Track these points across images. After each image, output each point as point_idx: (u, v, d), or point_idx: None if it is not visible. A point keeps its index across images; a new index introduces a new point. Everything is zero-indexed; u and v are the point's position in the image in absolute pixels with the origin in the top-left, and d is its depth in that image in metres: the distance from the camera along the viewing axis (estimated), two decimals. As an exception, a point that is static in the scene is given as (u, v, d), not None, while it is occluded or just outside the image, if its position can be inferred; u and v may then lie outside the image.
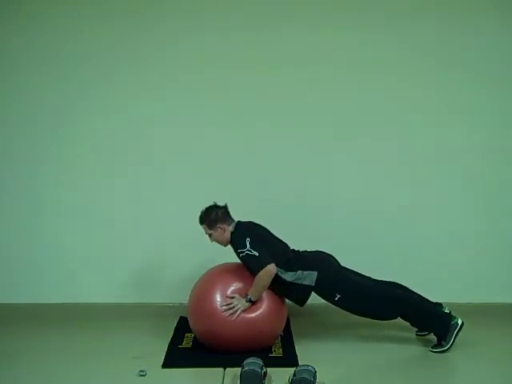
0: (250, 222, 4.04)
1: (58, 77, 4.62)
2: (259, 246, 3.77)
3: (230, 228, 3.95)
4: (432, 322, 3.88)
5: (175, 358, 3.72)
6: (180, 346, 3.91)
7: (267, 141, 4.63)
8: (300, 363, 3.48)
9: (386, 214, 4.68)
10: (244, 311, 3.69)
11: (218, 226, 3.94)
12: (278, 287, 3.84)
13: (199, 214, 3.97)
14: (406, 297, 3.92)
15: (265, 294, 3.78)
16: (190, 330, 4.15)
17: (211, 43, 4.58)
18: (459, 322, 3.83)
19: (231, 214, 4.01)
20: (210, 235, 3.98)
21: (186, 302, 4.60)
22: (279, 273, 3.80)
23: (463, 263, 4.70)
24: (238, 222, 4.01)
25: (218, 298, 3.75)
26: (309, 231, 4.52)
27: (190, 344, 3.95)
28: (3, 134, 4.68)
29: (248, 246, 3.75)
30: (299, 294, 3.89)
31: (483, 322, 4.35)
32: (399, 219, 4.69)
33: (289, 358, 3.68)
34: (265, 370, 3.33)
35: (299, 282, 3.83)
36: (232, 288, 3.79)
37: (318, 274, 3.82)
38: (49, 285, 4.68)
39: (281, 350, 3.84)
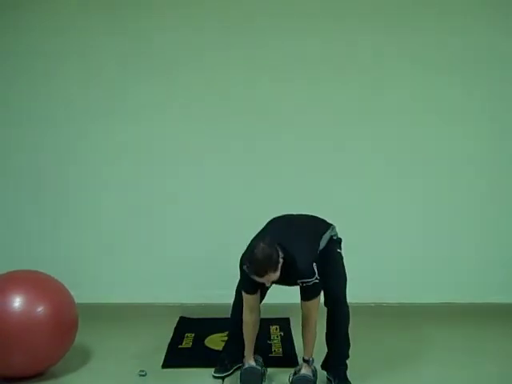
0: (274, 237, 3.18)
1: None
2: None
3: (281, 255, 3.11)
4: None
5: (175, 357, 3.72)
6: (180, 346, 3.91)
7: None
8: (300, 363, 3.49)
9: (387, 214, 4.69)
10: None
11: (280, 260, 3.08)
12: None
13: (254, 261, 3.01)
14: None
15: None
16: (190, 330, 4.16)
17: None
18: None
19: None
20: (270, 279, 3.08)
21: (186, 302, 4.65)
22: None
23: (463, 263, 4.69)
24: (277, 242, 3.12)
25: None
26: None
27: (190, 344, 3.95)
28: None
29: (317, 272, 3.14)
30: None
31: (483, 322, 4.35)
32: (398, 219, 4.70)
33: (289, 358, 3.68)
34: (265, 368, 3.34)
35: None
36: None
37: None
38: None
39: (281, 350, 3.85)
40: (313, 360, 3.24)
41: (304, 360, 3.23)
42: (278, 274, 3.06)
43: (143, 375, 3.42)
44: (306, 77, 4.60)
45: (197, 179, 4.66)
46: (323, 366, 3.40)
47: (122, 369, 3.53)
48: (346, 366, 3.36)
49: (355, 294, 4.57)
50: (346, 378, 3.32)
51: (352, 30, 4.57)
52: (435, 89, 4.63)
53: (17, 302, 3.20)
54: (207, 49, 4.59)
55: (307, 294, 3.17)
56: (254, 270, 3.02)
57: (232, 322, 3.51)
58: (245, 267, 3.11)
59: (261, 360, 3.37)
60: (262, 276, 3.03)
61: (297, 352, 3.76)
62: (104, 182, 4.68)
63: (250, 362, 3.29)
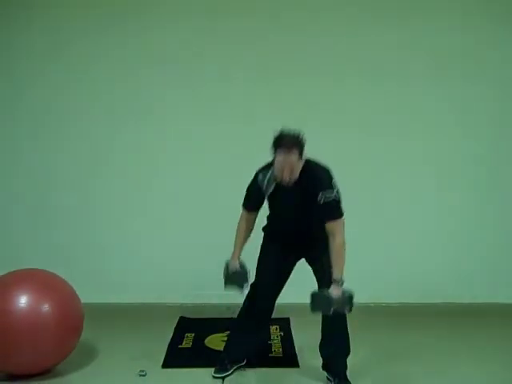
0: None
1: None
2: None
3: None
4: None
5: (175, 357, 3.72)
6: (180, 346, 3.91)
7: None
8: (300, 363, 3.49)
9: (385, 215, 4.70)
10: None
11: (304, 148, 3.10)
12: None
13: (282, 135, 3.05)
14: None
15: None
16: (189, 330, 4.16)
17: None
18: None
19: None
20: (292, 169, 3.06)
21: (186, 302, 4.65)
22: None
23: (463, 263, 4.70)
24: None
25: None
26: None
27: (190, 344, 3.95)
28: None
29: (335, 188, 3.13)
30: None
31: (483, 322, 4.35)
32: (398, 219, 4.70)
33: (289, 358, 3.68)
34: (248, 270, 3.41)
35: None
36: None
37: None
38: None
39: (281, 350, 3.84)
40: (343, 281, 3.10)
41: (332, 280, 3.10)
42: (299, 166, 3.07)
43: (143, 375, 3.42)
44: (312, 74, 4.64)
45: (197, 179, 4.66)
46: (324, 367, 3.41)
47: (122, 369, 3.53)
48: (345, 365, 3.36)
49: (356, 293, 4.64)
50: (346, 378, 3.32)
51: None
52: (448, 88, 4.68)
53: (23, 300, 3.22)
54: (207, 48, 4.62)
55: (330, 212, 3.11)
56: (283, 143, 3.01)
57: (234, 323, 3.54)
58: (260, 176, 3.25)
59: (245, 265, 3.43)
60: (288, 149, 3.00)
61: (297, 352, 3.76)
62: (104, 181, 4.69)
63: (234, 263, 3.40)
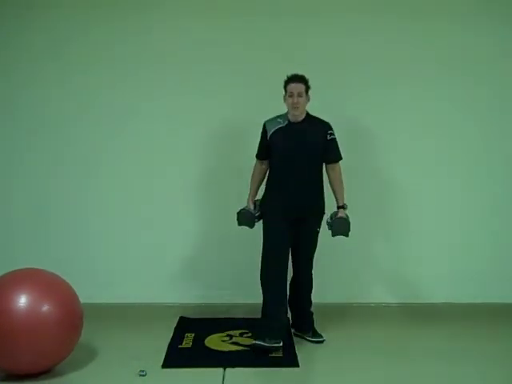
0: None
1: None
2: None
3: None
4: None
5: (175, 358, 3.71)
6: (180, 346, 3.91)
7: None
8: (300, 364, 3.49)
9: (390, 213, 4.70)
10: None
11: (309, 94, 3.72)
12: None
13: (293, 74, 3.68)
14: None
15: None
16: (189, 330, 4.16)
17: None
18: None
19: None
20: (300, 96, 3.64)
21: (186, 302, 4.65)
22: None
23: (464, 263, 4.70)
24: None
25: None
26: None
27: (190, 344, 3.94)
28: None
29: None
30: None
31: (483, 322, 4.35)
32: (400, 218, 4.70)
33: (289, 359, 3.67)
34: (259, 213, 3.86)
35: None
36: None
37: None
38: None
39: (280, 351, 3.84)
40: (346, 205, 3.81)
41: (339, 207, 3.79)
42: (306, 101, 3.67)
43: (143, 375, 3.41)
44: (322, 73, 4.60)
45: (198, 179, 4.66)
46: (294, 326, 3.94)
47: (122, 369, 3.52)
48: (313, 320, 3.90)
49: (357, 293, 4.65)
50: (316, 331, 3.88)
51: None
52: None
53: (23, 299, 3.22)
54: (208, 48, 4.62)
55: (334, 151, 3.76)
56: (293, 76, 3.66)
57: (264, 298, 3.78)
58: (267, 124, 3.77)
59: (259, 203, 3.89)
60: (297, 80, 3.64)
61: (297, 352, 3.76)
62: (104, 181, 4.68)
63: (249, 205, 3.90)
